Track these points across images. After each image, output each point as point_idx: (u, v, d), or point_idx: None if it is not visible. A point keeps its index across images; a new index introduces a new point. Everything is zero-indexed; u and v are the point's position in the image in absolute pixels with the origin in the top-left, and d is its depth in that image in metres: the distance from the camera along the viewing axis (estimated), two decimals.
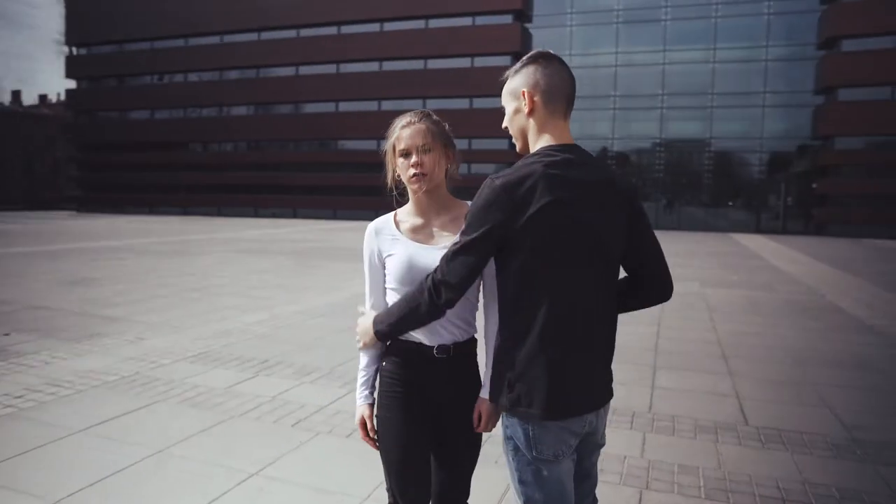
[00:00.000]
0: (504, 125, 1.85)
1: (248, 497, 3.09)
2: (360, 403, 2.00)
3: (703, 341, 6.87)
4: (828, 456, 3.82)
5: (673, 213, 32.71)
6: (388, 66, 34.80)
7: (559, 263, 1.64)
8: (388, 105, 34.55)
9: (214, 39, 38.33)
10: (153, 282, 10.12)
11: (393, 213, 2.04)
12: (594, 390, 1.73)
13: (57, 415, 4.10)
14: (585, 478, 1.84)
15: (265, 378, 5.02)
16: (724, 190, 33.33)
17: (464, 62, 33.54)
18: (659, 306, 8.52)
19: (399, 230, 1.97)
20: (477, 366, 2.01)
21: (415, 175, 1.90)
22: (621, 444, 3.88)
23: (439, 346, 1.90)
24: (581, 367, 1.69)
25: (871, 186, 28.65)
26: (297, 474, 3.35)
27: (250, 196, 37.85)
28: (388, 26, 34.77)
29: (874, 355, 6.40)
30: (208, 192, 38.74)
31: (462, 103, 33.07)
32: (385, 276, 1.98)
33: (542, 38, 34.01)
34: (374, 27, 35.05)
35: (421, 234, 1.96)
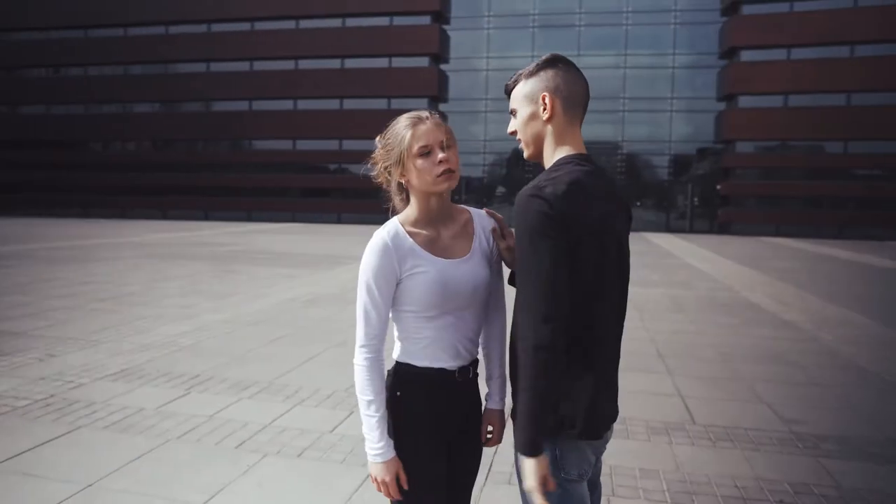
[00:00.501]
0: (511, 130, 1.75)
1: None
2: (384, 459, 1.68)
3: (638, 340, 7.02)
4: (774, 451, 3.94)
5: None
6: (304, 64, 34.00)
7: (600, 277, 1.57)
8: (304, 105, 33.78)
9: (118, 31, 36.23)
10: (55, 291, 9.36)
11: (394, 223, 1.76)
12: (615, 403, 1.69)
13: None
14: (594, 487, 1.80)
15: (199, 395, 4.69)
16: (634, 190, 34.65)
17: (382, 62, 33.23)
18: None
19: (416, 243, 1.74)
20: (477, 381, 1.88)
21: (444, 172, 1.69)
22: None
23: (460, 369, 1.76)
24: (612, 381, 1.67)
25: (767, 188, 30.56)
26: (250, 501, 3.11)
27: (157, 198, 36.01)
28: (304, 24, 33.98)
29: (792, 349, 6.74)
30: (110, 194, 36.55)
31: (380, 104, 32.76)
32: (395, 297, 1.74)
33: (460, 40, 34.27)
34: (290, 24, 34.17)
35: (436, 247, 1.76)
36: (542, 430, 1.50)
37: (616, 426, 4.26)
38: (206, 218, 35.26)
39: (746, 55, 30.44)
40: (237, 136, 35.37)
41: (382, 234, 1.72)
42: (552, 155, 1.67)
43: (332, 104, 33.34)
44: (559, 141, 1.66)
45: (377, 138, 1.82)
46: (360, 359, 1.72)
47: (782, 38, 29.49)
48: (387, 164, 1.77)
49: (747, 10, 30.31)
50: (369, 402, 1.69)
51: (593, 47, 33.03)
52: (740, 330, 7.76)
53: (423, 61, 33.24)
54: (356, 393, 1.74)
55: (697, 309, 9.21)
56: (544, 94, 1.65)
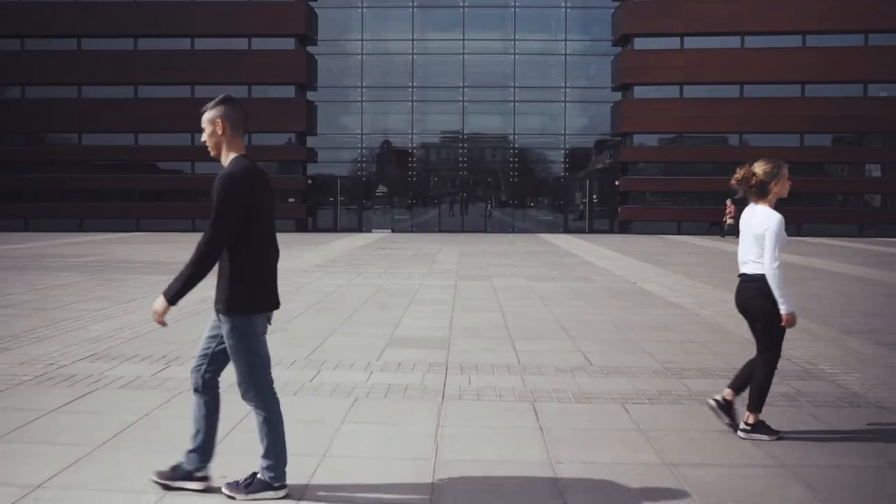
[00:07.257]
0: (203, 139, 3.66)
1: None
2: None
3: (542, 320, 9.45)
4: (651, 377, 6.40)
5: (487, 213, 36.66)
6: (146, 43, 34.34)
7: (267, 220, 3.72)
8: (146, 91, 34.05)
9: None
10: None
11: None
12: (276, 296, 3.78)
13: None
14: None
15: (179, 367, 6.43)
16: (528, 188, 37.91)
17: (241, 44, 34.31)
18: (496, 298, 11.06)
19: None
20: None
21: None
22: (509, 381, 6.11)
23: None
24: (272, 284, 3.75)
25: (669, 184, 34.70)
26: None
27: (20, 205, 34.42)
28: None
29: (676, 322, 9.41)
30: None
31: (241, 91, 33.89)
32: None
33: (329, 19, 35.94)
34: None
35: None
36: (185, 293, 3.58)
37: (531, 369, 6.55)
38: (27, 228, 34.21)
39: (640, 43, 34.51)
40: (61, 130, 35.02)
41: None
42: (227, 155, 3.61)
43: (183, 91, 33.72)
44: (229, 148, 3.61)
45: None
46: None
47: (672, 25, 33.60)
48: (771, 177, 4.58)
49: None
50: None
51: (478, 29, 35.97)
52: (634, 310, 10.40)
53: (290, 43, 34.67)
54: None
55: (596, 297, 11.85)
56: (218, 119, 3.58)
